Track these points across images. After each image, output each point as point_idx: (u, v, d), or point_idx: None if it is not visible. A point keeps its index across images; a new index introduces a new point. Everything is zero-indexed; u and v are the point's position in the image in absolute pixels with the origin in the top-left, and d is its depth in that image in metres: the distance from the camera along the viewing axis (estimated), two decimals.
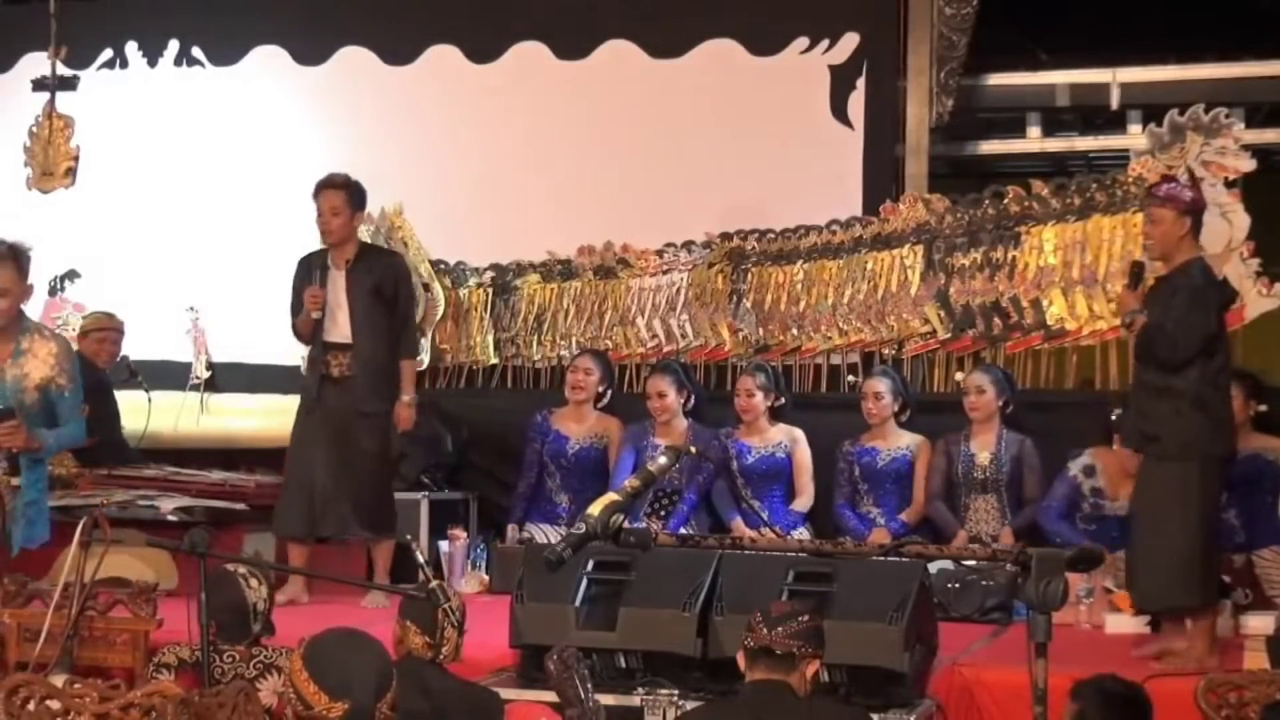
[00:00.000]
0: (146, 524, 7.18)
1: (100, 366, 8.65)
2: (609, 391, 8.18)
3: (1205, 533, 5.86)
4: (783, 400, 7.87)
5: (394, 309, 7.39)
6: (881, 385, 7.69)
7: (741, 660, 4.17)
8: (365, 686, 3.42)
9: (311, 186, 7.41)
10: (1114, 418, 7.00)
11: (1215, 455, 5.90)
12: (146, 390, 8.83)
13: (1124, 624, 6.58)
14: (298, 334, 7.52)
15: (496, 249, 9.18)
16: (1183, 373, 5.82)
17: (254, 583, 5.28)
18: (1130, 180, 8.18)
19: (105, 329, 8.72)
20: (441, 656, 4.75)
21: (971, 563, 6.77)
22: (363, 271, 7.33)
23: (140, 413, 8.74)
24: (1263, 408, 7.12)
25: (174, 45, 9.93)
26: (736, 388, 7.91)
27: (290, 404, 7.67)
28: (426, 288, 9.13)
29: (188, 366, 9.42)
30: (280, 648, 5.21)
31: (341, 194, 7.30)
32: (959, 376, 8.25)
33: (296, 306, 7.41)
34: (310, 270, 7.35)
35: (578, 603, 5.20)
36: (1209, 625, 5.87)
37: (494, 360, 9.09)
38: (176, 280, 9.57)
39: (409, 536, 6.15)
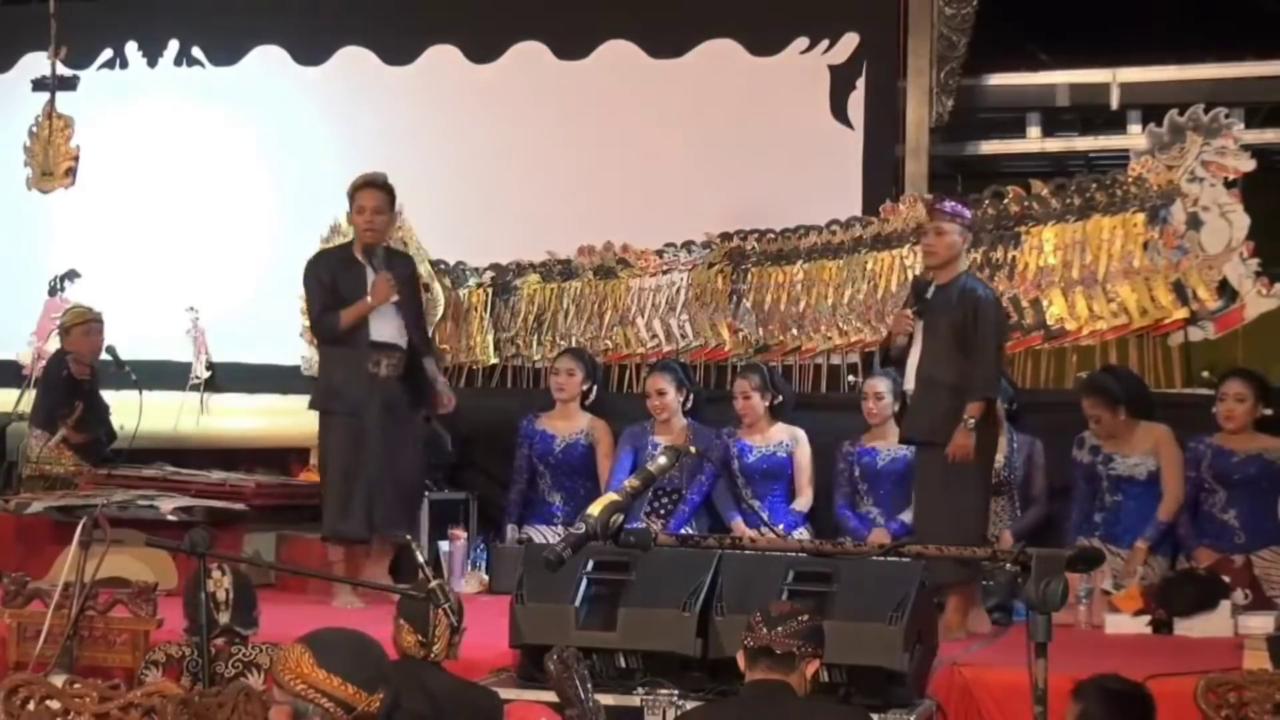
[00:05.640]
0: (146, 524, 7.16)
1: (89, 359, 8.58)
2: (594, 388, 8.17)
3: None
4: (781, 397, 7.83)
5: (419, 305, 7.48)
6: (882, 385, 7.65)
7: (741, 660, 4.16)
8: (390, 674, 3.39)
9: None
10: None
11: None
12: (135, 380, 8.69)
13: (1124, 624, 6.59)
14: (332, 330, 7.21)
15: (496, 249, 9.17)
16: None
17: (215, 574, 5.24)
18: (1130, 180, 8.18)
19: (89, 320, 8.64)
20: (433, 655, 4.72)
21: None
22: (398, 268, 7.28)
23: (133, 410, 8.64)
24: (1268, 411, 7.11)
25: (174, 45, 9.94)
26: (733, 391, 7.89)
27: (289, 404, 7.61)
28: (426, 288, 9.10)
29: (188, 366, 9.40)
30: (263, 644, 5.21)
31: (383, 194, 7.24)
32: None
33: (330, 303, 7.19)
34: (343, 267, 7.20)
35: (578, 603, 5.20)
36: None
37: (494, 360, 9.09)
38: (176, 280, 9.56)
39: (409, 536, 6.14)
